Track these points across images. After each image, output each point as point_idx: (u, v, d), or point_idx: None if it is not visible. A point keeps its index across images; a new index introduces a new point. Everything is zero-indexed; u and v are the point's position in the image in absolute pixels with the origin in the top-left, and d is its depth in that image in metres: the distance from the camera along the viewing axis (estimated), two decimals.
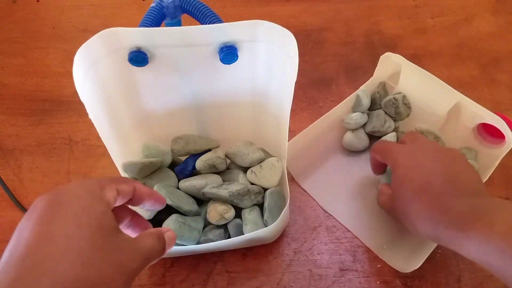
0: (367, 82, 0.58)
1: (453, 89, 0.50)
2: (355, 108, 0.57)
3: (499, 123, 0.47)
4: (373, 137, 0.58)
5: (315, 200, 0.55)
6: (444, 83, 0.51)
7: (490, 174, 0.49)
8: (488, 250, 0.34)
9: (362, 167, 0.57)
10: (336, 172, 0.57)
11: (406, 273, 0.49)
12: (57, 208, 0.28)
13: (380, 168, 0.52)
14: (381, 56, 0.56)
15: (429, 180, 0.41)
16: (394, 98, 0.55)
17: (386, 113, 0.57)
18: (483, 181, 0.48)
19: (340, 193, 0.55)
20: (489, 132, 0.52)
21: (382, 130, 0.56)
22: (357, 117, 0.56)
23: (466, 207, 0.37)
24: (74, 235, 0.27)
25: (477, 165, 0.51)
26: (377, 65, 0.57)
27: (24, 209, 0.54)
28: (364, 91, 0.56)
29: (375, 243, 0.51)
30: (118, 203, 0.33)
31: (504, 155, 0.49)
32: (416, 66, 0.53)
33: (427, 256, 0.46)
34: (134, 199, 0.35)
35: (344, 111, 0.58)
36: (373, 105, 0.58)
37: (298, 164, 0.56)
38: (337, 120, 0.58)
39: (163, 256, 0.34)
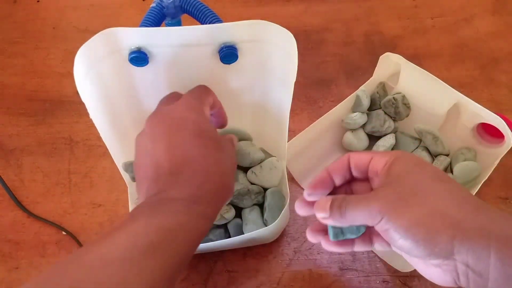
0: (366, 82, 0.58)
1: (452, 89, 0.50)
2: (354, 108, 0.57)
3: (499, 123, 0.47)
4: (373, 137, 0.58)
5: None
6: (443, 83, 0.51)
7: (490, 174, 0.49)
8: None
9: None
10: None
11: (406, 272, 0.49)
12: (177, 132, 0.36)
13: (326, 183, 0.38)
14: (381, 56, 0.56)
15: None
16: (393, 98, 0.55)
17: (385, 113, 0.57)
18: (483, 181, 0.48)
19: (340, 193, 0.55)
20: (489, 132, 0.52)
21: (381, 130, 0.56)
22: (357, 117, 0.56)
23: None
24: (198, 150, 0.35)
25: (477, 165, 0.51)
26: (377, 65, 0.57)
27: (25, 209, 0.54)
28: (364, 91, 0.56)
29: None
30: None
31: (503, 155, 0.49)
32: (416, 66, 0.53)
33: None
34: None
35: (343, 111, 0.58)
36: (373, 105, 0.58)
37: (298, 164, 0.56)
38: (337, 120, 0.58)
39: None
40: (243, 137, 0.51)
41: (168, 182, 0.33)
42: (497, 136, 0.50)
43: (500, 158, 0.49)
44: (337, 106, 0.56)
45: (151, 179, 0.34)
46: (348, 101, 0.57)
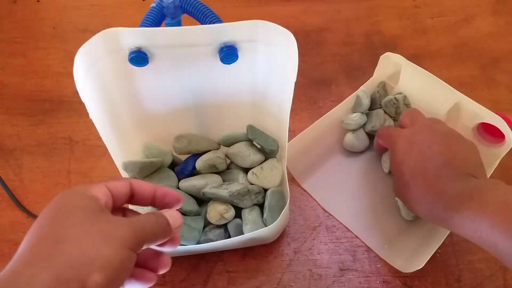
0: (367, 82, 0.58)
1: (453, 88, 0.50)
2: (355, 108, 0.57)
3: (499, 123, 0.47)
4: (373, 136, 0.58)
5: (315, 200, 0.55)
6: (444, 82, 0.51)
7: (491, 173, 0.49)
8: (480, 227, 0.37)
9: (362, 167, 0.57)
10: (337, 172, 0.57)
11: (406, 273, 0.49)
12: (54, 219, 0.29)
13: (382, 149, 0.56)
14: (381, 56, 0.56)
15: (424, 165, 0.43)
16: (395, 98, 0.55)
17: (385, 112, 0.57)
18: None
19: (341, 193, 0.55)
20: (489, 132, 0.52)
21: None
22: (357, 118, 0.56)
23: (460, 189, 0.40)
24: (69, 230, 0.27)
25: None
26: (377, 65, 0.57)
27: (24, 209, 0.54)
28: (364, 92, 0.56)
29: (376, 243, 0.51)
30: (117, 201, 0.33)
31: (504, 154, 0.49)
32: (416, 66, 0.53)
33: (430, 256, 0.46)
34: (137, 197, 0.34)
35: (343, 112, 0.58)
36: (373, 105, 0.58)
37: (298, 164, 0.56)
38: (337, 121, 0.58)
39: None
40: (243, 138, 0.51)
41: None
42: (498, 136, 0.50)
43: (500, 158, 0.49)
44: (337, 106, 0.56)
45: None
46: (348, 101, 0.57)
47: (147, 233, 0.30)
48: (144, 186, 0.34)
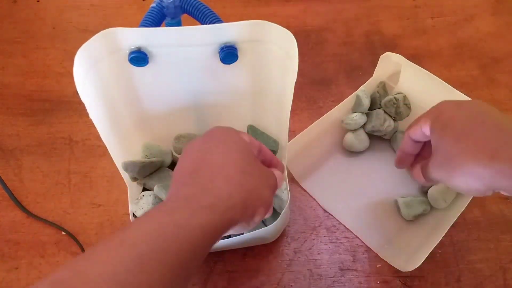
0: (367, 82, 0.58)
1: (453, 88, 0.50)
2: (355, 108, 0.57)
3: None
4: (373, 136, 0.58)
5: (315, 200, 0.55)
6: (444, 82, 0.51)
7: None
8: None
9: (362, 167, 0.57)
10: (337, 172, 0.57)
11: (406, 272, 0.49)
12: (215, 143, 0.36)
13: (406, 159, 0.46)
14: (381, 56, 0.56)
15: (479, 117, 0.37)
16: (395, 98, 0.55)
17: (385, 112, 0.57)
18: None
19: (341, 192, 0.55)
20: None
21: (382, 129, 0.56)
22: (357, 118, 0.56)
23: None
24: (230, 158, 0.35)
25: None
26: (377, 65, 0.57)
27: (24, 209, 0.54)
28: (364, 92, 0.56)
29: (375, 242, 0.51)
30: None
31: None
32: (416, 65, 0.53)
33: (427, 255, 0.46)
34: (260, 158, 0.41)
35: (344, 112, 0.58)
36: (373, 105, 0.58)
37: (298, 164, 0.56)
38: (337, 121, 0.58)
39: None
40: None
41: (183, 182, 0.34)
42: None
43: None
44: (337, 106, 0.56)
45: (175, 181, 0.35)
46: (348, 101, 0.57)
47: (277, 185, 0.39)
48: (268, 152, 0.42)
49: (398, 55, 0.54)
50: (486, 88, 0.65)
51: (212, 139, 0.37)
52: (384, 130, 0.56)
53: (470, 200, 0.49)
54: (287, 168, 0.50)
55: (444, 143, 0.37)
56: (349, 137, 0.57)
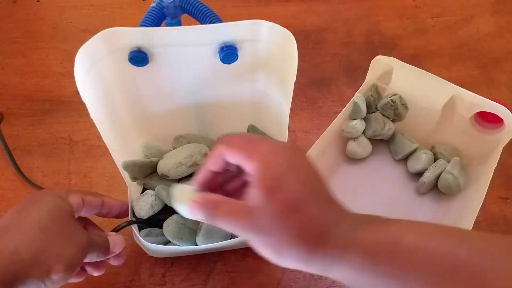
0: (361, 87, 0.57)
1: (448, 82, 0.51)
2: (353, 115, 0.56)
3: (497, 108, 0.48)
4: (375, 141, 0.58)
5: None
6: (438, 77, 0.51)
7: (497, 160, 0.49)
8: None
9: (370, 173, 0.56)
10: (347, 183, 0.56)
11: None
12: (24, 205, 0.36)
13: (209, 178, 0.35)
14: (372, 61, 0.55)
15: (314, 186, 0.31)
16: (391, 100, 0.55)
17: (384, 115, 0.57)
18: (494, 167, 0.48)
19: (355, 203, 0.54)
20: (485, 119, 0.53)
21: (383, 132, 0.56)
22: (358, 125, 0.55)
23: (347, 227, 0.30)
24: (29, 217, 0.35)
25: (464, 176, 0.53)
26: (369, 69, 0.57)
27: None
28: (360, 97, 0.56)
29: None
30: (85, 212, 0.41)
31: (507, 140, 0.49)
32: (409, 65, 0.53)
33: None
34: (104, 211, 0.42)
35: (343, 121, 0.57)
36: (368, 109, 0.57)
37: None
38: (336, 131, 0.57)
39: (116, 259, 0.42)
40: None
41: None
42: (495, 121, 0.51)
43: (503, 143, 0.50)
44: (337, 117, 0.55)
45: None
46: (347, 110, 0.56)
47: (94, 247, 0.38)
48: (113, 204, 0.43)
49: (390, 57, 0.54)
50: (486, 88, 0.65)
51: (26, 201, 0.37)
52: (386, 133, 0.56)
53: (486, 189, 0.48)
54: None
55: (269, 218, 0.29)
56: (352, 145, 0.56)
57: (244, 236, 0.31)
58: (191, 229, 0.46)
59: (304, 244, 0.29)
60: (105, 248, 0.39)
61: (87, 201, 0.40)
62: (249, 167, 0.31)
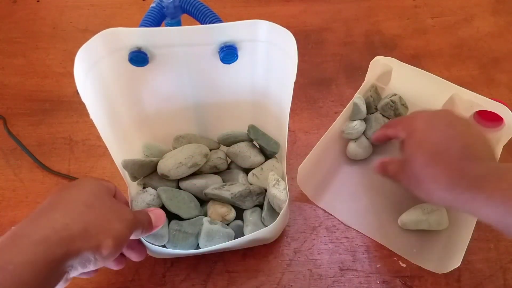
0: (360, 87, 0.57)
1: (447, 81, 0.51)
2: (353, 116, 0.56)
3: (497, 107, 0.48)
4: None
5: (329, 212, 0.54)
6: (437, 77, 0.51)
7: (498, 158, 0.50)
8: (510, 210, 0.34)
9: (372, 175, 0.56)
10: (349, 185, 0.56)
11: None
12: (67, 189, 0.37)
13: (382, 140, 0.52)
14: (371, 61, 0.55)
15: (447, 143, 0.40)
16: (391, 101, 0.55)
17: (384, 116, 0.57)
18: None
19: (359, 205, 0.54)
20: (485, 118, 0.53)
21: None
22: (358, 126, 0.55)
23: (486, 170, 0.37)
24: (74, 196, 0.36)
25: None
26: (368, 70, 0.57)
27: (47, 168, 0.54)
28: (360, 98, 0.55)
29: (404, 249, 0.50)
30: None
31: (507, 139, 0.49)
32: (408, 65, 0.53)
33: (464, 251, 0.45)
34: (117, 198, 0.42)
35: (343, 122, 0.57)
36: (368, 109, 0.57)
37: (310, 184, 0.54)
38: (337, 133, 0.57)
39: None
40: (243, 137, 0.51)
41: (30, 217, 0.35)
42: (495, 120, 0.51)
43: (503, 142, 0.50)
44: (337, 119, 0.55)
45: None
46: (347, 111, 0.56)
47: (139, 223, 0.39)
48: (121, 193, 0.43)
49: (389, 58, 0.54)
50: (486, 88, 0.65)
51: (63, 186, 0.40)
52: None
53: None
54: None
55: (415, 163, 0.41)
56: (352, 146, 0.56)
57: (404, 185, 0.43)
58: (187, 234, 0.45)
59: (447, 188, 0.38)
60: (149, 223, 0.40)
61: (110, 186, 0.41)
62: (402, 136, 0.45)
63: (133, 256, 0.43)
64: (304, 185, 0.53)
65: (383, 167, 0.48)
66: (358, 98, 0.55)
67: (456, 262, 0.44)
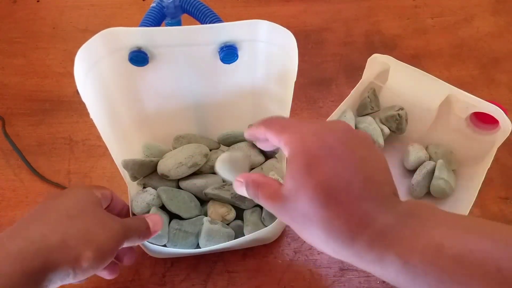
0: (357, 85, 0.57)
1: (444, 82, 0.51)
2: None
3: (493, 110, 0.48)
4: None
5: None
6: (434, 77, 0.51)
7: (490, 163, 0.49)
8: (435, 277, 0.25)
9: None
10: None
11: None
12: (52, 199, 0.37)
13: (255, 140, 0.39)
14: (369, 59, 0.55)
15: (345, 175, 0.29)
16: (398, 115, 0.55)
17: (382, 123, 0.57)
18: (487, 168, 0.48)
19: None
20: (481, 120, 0.53)
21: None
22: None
23: (392, 219, 0.28)
24: (54, 205, 0.35)
25: (453, 176, 0.52)
26: (366, 67, 0.57)
27: (46, 178, 0.54)
28: (350, 110, 0.56)
29: None
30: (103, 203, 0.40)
31: (501, 142, 0.49)
32: (405, 64, 0.53)
33: None
34: (112, 204, 0.42)
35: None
36: (364, 109, 0.57)
37: None
38: None
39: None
40: (243, 137, 0.51)
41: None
42: (490, 123, 0.51)
43: (497, 144, 0.49)
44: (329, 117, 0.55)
45: None
46: (335, 115, 0.55)
47: (131, 232, 0.37)
48: (119, 200, 0.44)
49: (387, 56, 0.54)
50: (486, 88, 0.65)
51: (50, 195, 0.39)
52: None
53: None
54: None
55: (303, 199, 0.29)
56: None
57: (282, 219, 0.31)
58: (187, 233, 0.46)
59: (344, 241, 0.27)
60: (146, 229, 0.39)
61: (103, 194, 0.40)
62: (285, 151, 0.31)
63: (124, 261, 0.42)
64: None
65: (252, 135, 0.37)
66: (346, 110, 0.54)
67: None
